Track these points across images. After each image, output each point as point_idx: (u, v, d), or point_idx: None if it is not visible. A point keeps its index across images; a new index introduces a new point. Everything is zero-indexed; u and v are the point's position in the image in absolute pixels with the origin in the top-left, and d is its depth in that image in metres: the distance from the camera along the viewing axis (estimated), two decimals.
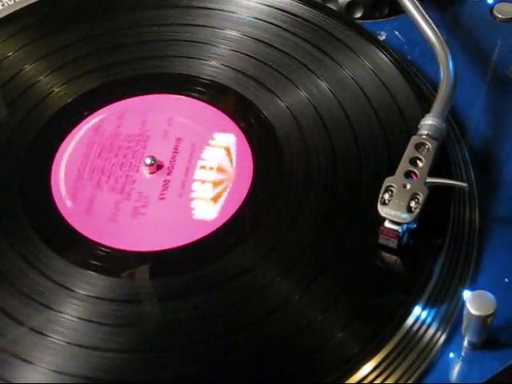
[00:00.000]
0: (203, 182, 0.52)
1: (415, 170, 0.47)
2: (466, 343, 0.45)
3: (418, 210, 0.46)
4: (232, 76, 0.58)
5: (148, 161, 0.52)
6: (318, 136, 0.53)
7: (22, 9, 0.63)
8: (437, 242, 0.47)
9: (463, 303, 0.44)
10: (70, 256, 0.48)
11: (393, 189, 0.47)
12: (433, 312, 0.46)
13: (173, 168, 0.53)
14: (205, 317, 0.45)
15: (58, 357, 0.44)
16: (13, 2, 0.66)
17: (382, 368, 0.43)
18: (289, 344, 0.44)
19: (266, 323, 0.44)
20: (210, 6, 0.62)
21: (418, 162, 0.48)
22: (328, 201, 0.50)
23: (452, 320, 0.46)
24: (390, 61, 0.57)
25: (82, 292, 0.46)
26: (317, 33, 0.59)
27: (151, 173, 0.53)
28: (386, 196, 0.47)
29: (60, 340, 0.44)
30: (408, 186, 0.47)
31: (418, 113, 0.52)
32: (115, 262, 0.48)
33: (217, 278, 0.47)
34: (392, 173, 0.47)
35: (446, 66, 0.53)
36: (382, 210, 0.46)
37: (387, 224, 0.46)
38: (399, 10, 0.61)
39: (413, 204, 0.46)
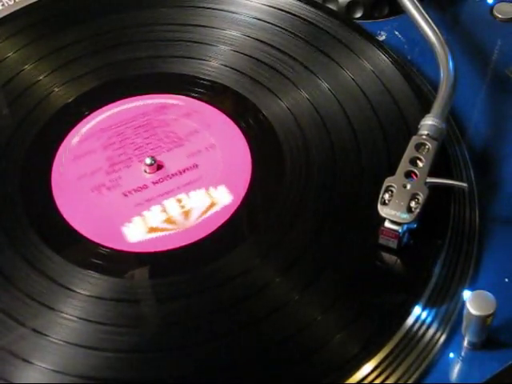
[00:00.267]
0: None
1: (415, 170, 0.47)
2: (465, 343, 0.45)
3: (418, 210, 0.46)
4: (232, 76, 0.58)
5: (148, 161, 0.53)
6: (317, 136, 0.53)
7: (21, 9, 0.63)
8: (437, 242, 0.47)
9: (463, 303, 0.44)
10: (70, 256, 0.48)
11: (393, 189, 0.47)
12: (433, 312, 0.46)
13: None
14: (204, 317, 0.45)
15: (58, 357, 0.44)
16: (13, 1, 0.66)
17: (382, 368, 0.43)
18: (289, 344, 0.44)
19: (266, 323, 0.44)
20: (210, 5, 0.62)
21: (418, 162, 0.48)
22: (328, 201, 0.50)
23: (452, 320, 0.46)
24: (390, 61, 0.57)
25: (81, 292, 0.46)
26: (317, 33, 0.59)
27: (151, 173, 0.53)
28: (386, 196, 0.47)
29: (60, 340, 0.44)
30: (408, 186, 0.47)
31: (418, 113, 0.52)
32: (115, 261, 0.48)
33: (217, 278, 0.47)
34: (392, 173, 0.47)
35: (446, 66, 0.53)
36: (382, 210, 0.46)
37: (387, 224, 0.46)
38: (399, 10, 0.61)
39: (413, 204, 0.46)
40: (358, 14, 0.64)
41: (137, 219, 0.50)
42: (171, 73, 0.58)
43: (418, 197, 0.46)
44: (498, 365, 0.44)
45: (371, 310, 0.45)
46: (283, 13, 0.61)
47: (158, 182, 0.52)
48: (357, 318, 0.44)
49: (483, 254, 0.49)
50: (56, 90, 0.58)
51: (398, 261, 0.47)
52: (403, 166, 0.48)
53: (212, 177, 0.52)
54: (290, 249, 0.48)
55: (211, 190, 0.51)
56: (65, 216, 0.51)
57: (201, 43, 0.60)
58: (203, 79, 0.58)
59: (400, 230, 0.46)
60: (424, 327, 0.45)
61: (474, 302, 0.42)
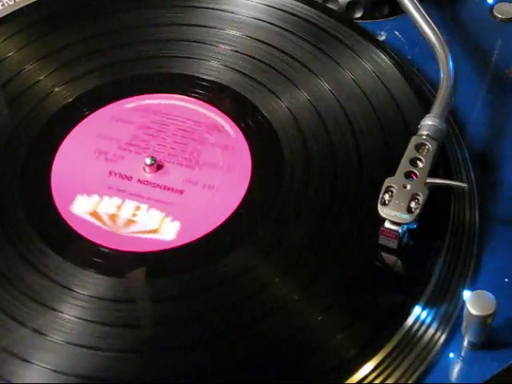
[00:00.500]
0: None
1: (415, 171, 0.47)
2: (466, 343, 0.45)
3: (418, 211, 0.46)
4: (232, 76, 0.58)
5: (148, 161, 0.53)
6: (317, 136, 0.53)
7: (21, 9, 0.63)
8: (437, 242, 0.47)
9: (463, 303, 0.44)
10: (70, 256, 0.48)
11: (393, 189, 0.47)
12: (433, 312, 0.46)
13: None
14: (204, 317, 0.45)
15: (58, 357, 0.44)
16: (13, 1, 0.66)
17: (382, 368, 0.43)
18: (288, 344, 0.44)
19: (266, 323, 0.44)
20: (210, 5, 0.62)
21: (418, 162, 0.48)
22: (328, 201, 0.50)
23: (452, 320, 0.46)
24: (390, 61, 0.57)
25: (81, 292, 0.46)
26: (317, 33, 0.59)
27: (146, 171, 0.53)
28: (386, 196, 0.47)
29: (60, 340, 0.44)
30: (408, 187, 0.47)
31: (418, 113, 0.52)
32: (115, 261, 0.48)
33: (217, 278, 0.47)
34: (392, 173, 0.47)
35: (446, 66, 0.53)
36: (382, 211, 0.46)
37: (387, 224, 0.46)
38: (399, 10, 0.61)
39: (413, 204, 0.46)
40: (358, 14, 0.64)
41: (94, 197, 0.51)
42: (171, 73, 0.58)
43: (418, 197, 0.46)
44: (498, 365, 0.44)
45: (371, 310, 0.45)
46: (283, 13, 0.61)
47: (142, 182, 0.52)
48: (357, 318, 0.44)
49: (483, 254, 0.49)
50: (56, 89, 0.58)
51: (398, 261, 0.47)
52: (403, 166, 0.48)
53: (180, 210, 0.51)
54: (290, 249, 0.48)
55: (166, 219, 0.50)
56: (65, 216, 0.51)
57: (201, 43, 0.60)
58: (203, 79, 0.58)
59: (400, 231, 0.46)
60: (424, 327, 0.45)
61: (473, 302, 0.42)
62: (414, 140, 0.49)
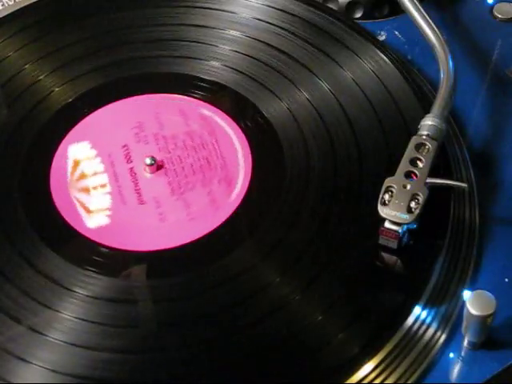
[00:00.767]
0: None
1: (415, 171, 0.47)
2: (466, 343, 0.45)
3: (418, 211, 0.46)
4: (232, 76, 0.58)
5: (148, 161, 0.52)
6: (317, 136, 0.53)
7: (21, 9, 0.63)
8: (437, 242, 0.47)
9: (463, 303, 0.44)
10: (70, 256, 0.48)
11: (393, 189, 0.47)
12: (433, 312, 0.46)
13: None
14: (204, 317, 0.45)
15: (57, 356, 0.44)
16: (13, 1, 0.66)
17: (382, 368, 0.43)
18: (289, 344, 0.44)
19: (266, 323, 0.44)
20: (211, 5, 0.62)
21: (418, 162, 0.48)
22: (328, 201, 0.50)
23: (452, 320, 0.46)
24: (390, 61, 0.57)
25: (81, 292, 0.46)
26: (317, 33, 0.59)
27: (151, 173, 0.53)
28: (386, 196, 0.47)
29: (59, 340, 0.44)
30: (408, 187, 0.47)
31: (418, 113, 0.52)
32: (115, 261, 0.48)
33: (217, 278, 0.47)
34: (392, 173, 0.47)
35: (446, 66, 0.53)
36: (382, 211, 0.46)
37: (387, 224, 0.46)
38: (399, 10, 0.61)
39: (413, 204, 0.46)
40: (358, 14, 0.64)
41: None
42: (171, 73, 0.58)
43: (418, 197, 0.46)
44: (498, 365, 0.44)
45: (371, 310, 0.45)
46: (283, 13, 0.61)
47: (132, 173, 0.53)
48: (357, 318, 0.44)
49: (483, 254, 0.49)
50: (56, 89, 0.58)
51: (398, 261, 0.47)
52: (403, 166, 0.48)
53: (121, 215, 0.51)
54: (291, 249, 0.48)
55: (105, 212, 0.51)
56: (64, 216, 0.51)
57: (201, 43, 0.60)
58: (203, 79, 0.58)
59: (400, 231, 0.46)
60: (424, 327, 0.45)
61: (473, 302, 0.42)
62: (413, 140, 0.49)
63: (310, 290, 0.46)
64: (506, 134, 0.55)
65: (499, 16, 0.63)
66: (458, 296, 0.47)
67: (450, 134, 0.54)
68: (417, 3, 0.57)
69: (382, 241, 0.47)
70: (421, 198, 0.46)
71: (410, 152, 0.48)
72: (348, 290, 0.46)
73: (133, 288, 0.48)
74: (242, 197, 0.51)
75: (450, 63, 0.53)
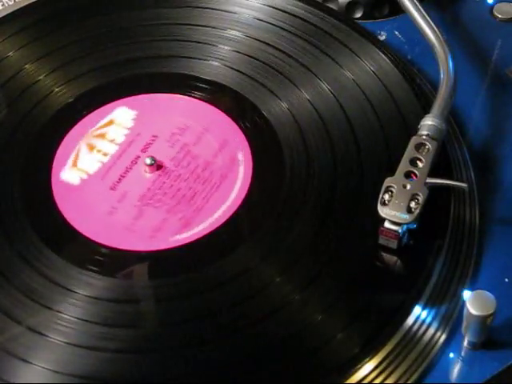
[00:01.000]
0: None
1: (415, 171, 0.47)
2: (466, 343, 0.45)
3: (417, 211, 0.46)
4: (232, 76, 0.58)
5: (148, 161, 0.53)
6: (317, 136, 0.53)
7: (21, 9, 0.63)
8: (437, 242, 0.47)
9: (463, 303, 0.44)
10: (70, 256, 0.48)
11: (393, 189, 0.47)
12: (433, 312, 0.46)
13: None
14: (204, 317, 0.45)
15: (57, 356, 0.44)
16: (13, 1, 0.66)
17: (382, 368, 0.43)
18: (289, 344, 0.44)
19: (266, 323, 0.44)
20: (211, 5, 0.62)
21: (418, 162, 0.48)
22: (328, 201, 0.50)
23: (452, 320, 0.46)
24: (390, 61, 0.57)
25: (81, 292, 0.46)
26: (317, 33, 0.59)
27: (145, 171, 0.53)
28: (386, 196, 0.47)
29: (59, 340, 0.44)
30: (408, 187, 0.47)
31: (418, 113, 0.52)
32: (115, 262, 0.48)
33: (217, 279, 0.47)
34: (392, 173, 0.47)
35: (446, 66, 0.53)
36: (382, 211, 0.46)
37: (387, 224, 0.46)
38: (399, 10, 0.61)
39: (413, 204, 0.46)
40: (358, 14, 0.64)
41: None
42: (171, 73, 0.58)
43: (418, 197, 0.46)
44: (498, 365, 0.44)
45: (371, 310, 0.45)
46: (283, 13, 0.61)
47: (133, 161, 0.53)
48: (357, 318, 0.44)
49: (483, 254, 0.49)
50: (56, 90, 0.58)
51: (398, 261, 0.47)
52: (403, 166, 0.48)
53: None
54: (291, 249, 0.48)
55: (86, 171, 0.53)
56: (65, 216, 0.51)
57: (201, 43, 0.60)
58: (203, 79, 0.58)
59: (400, 231, 0.46)
60: (424, 327, 0.45)
61: (474, 302, 0.42)
62: (413, 140, 0.49)
63: (310, 289, 0.46)
64: (506, 134, 0.55)
65: (499, 16, 0.63)
66: (458, 296, 0.47)
67: (450, 133, 0.54)
68: (417, 3, 0.57)
69: (381, 241, 0.47)
70: (421, 198, 0.46)
71: (409, 152, 0.48)
72: (348, 290, 0.46)
73: (133, 288, 0.47)
74: (242, 197, 0.51)
75: (450, 63, 0.53)
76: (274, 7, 0.61)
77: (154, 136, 0.55)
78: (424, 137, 0.49)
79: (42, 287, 0.47)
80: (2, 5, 0.66)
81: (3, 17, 0.63)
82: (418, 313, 0.45)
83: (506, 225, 0.51)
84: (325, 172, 0.51)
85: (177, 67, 0.59)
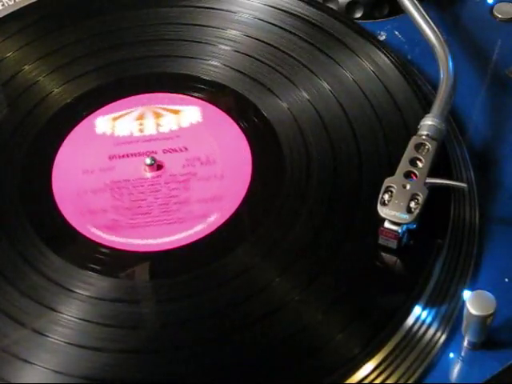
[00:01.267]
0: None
1: (415, 171, 0.47)
2: (466, 343, 0.45)
3: (417, 211, 0.46)
4: (232, 76, 0.58)
5: (148, 161, 0.53)
6: (317, 136, 0.53)
7: (21, 9, 0.63)
8: (437, 241, 0.47)
9: (463, 303, 0.44)
10: (70, 256, 0.48)
11: (392, 189, 0.47)
12: (433, 312, 0.46)
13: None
14: (204, 317, 0.45)
15: (58, 357, 0.44)
16: (13, 1, 0.66)
17: (382, 368, 0.43)
18: (289, 344, 0.44)
19: (266, 323, 0.44)
20: (211, 5, 0.62)
21: (418, 162, 0.48)
22: (328, 201, 0.50)
23: (452, 320, 0.46)
24: (390, 61, 0.57)
25: (82, 292, 0.46)
26: (317, 33, 0.59)
27: (151, 172, 0.53)
28: (386, 196, 0.47)
29: (60, 340, 0.44)
30: (408, 187, 0.47)
31: (418, 113, 0.53)
32: (115, 262, 0.48)
33: (217, 278, 0.47)
34: (392, 173, 0.47)
35: (445, 66, 0.53)
36: (382, 211, 0.46)
37: (387, 224, 0.46)
38: (399, 10, 0.61)
39: (412, 204, 0.46)
40: (358, 14, 0.64)
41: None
42: (171, 73, 0.58)
43: (418, 197, 0.46)
44: (498, 365, 0.44)
45: (371, 310, 0.45)
46: (283, 13, 0.61)
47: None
48: (357, 318, 0.44)
49: (483, 254, 0.49)
50: (56, 89, 0.58)
51: (398, 261, 0.47)
52: (403, 166, 0.48)
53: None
54: (290, 249, 0.48)
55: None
56: (65, 216, 0.51)
57: (201, 43, 0.60)
58: (203, 79, 0.58)
59: (400, 231, 0.46)
60: (424, 327, 0.45)
61: (474, 302, 0.42)
62: (413, 140, 0.49)
63: (310, 289, 0.46)
64: (505, 134, 0.55)
65: (499, 16, 0.63)
66: (458, 296, 0.47)
67: (450, 133, 0.54)
68: (417, 3, 0.57)
69: (381, 241, 0.47)
70: (420, 198, 0.46)
71: (409, 152, 0.48)
72: (348, 290, 0.46)
73: (133, 288, 0.47)
74: (241, 196, 0.51)
75: (450, 63, 0.53)
76: (273, 7, 0.61)
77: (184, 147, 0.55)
78: (424, 137, 0.49)
79: (42, 287, 0.47)
80: (2, 5, 0.66)
81: (3, 17, 0.63)
82: (418, 313, 0.45)
83: (506, 225, 0.51)
84: (324, 172, 0.51)
85: (177, 67, 0.59)
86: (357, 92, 0.55)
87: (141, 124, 0.56)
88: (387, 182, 0.47)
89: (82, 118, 0.56)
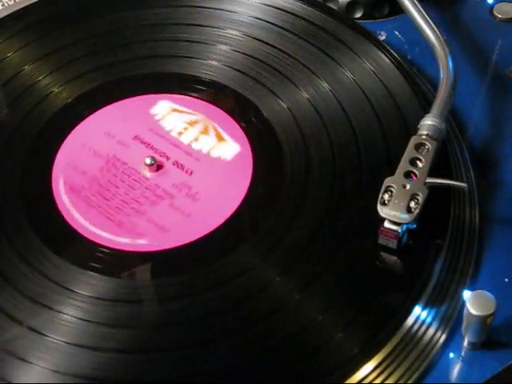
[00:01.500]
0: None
1: (415, 171, 0.47)
2: (466, 343, 0.45)
3: (417, 211, 0.46)
4: (232, 76, 0.58)
5: (148, 161, 0.53)
6: (317, 136, 0.53)
7: (21, 9, 0.63)
8: (437, 242, 0.47)
9: (463, 303, 0.44)
10: (70, 256, 0.48)
11: (392, 189, 0.47)
12: (433, 312, 0.46)
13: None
14: (204, 317, 0.45)
15: (58, 357, 0.44)
16: (13, 1, 0.66)
17: (382, 368, 0.43)
18: (289, 344, 0.44)
19: (266, 323, 0.44)
20: (211, 5, 0.62)
21: (418, 162, 0.48)
22: (328, 201, 0.50)
23: (452, 320, 0.46)
24: (390, 61, 0.57)
25: (81, 292, 0.46)
26: (317, 33, 0.59)
27: (151, 173, 0.53)
28: (386, 196, 0.47)
29: (59, 340, 0.44)
30: (408, 187, 0.47)
31: (418, 113, 0.53)
32: (115, 262, 0.48)
33: (217, 278, 0.47)
34: (392, 173, 0.47)
35: (445, 66, 0.53)
36: (382, 211, 0.46)
37: (387, 224, 0.46)
38: (399, 10, 0.61)
39: (412, 204, 0.46)
40: (358, 14, 0.64)
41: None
42: (171, 73, 0.58)
43: (418, 197, 0.46)
44: (498, 365, 0.44)
45: (371, 310, 0.45)
46: (283, 13, 0.61)
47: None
48: (357, 318, 0.44)
49: (483, 254, 0.49)
50: (56, 90, 0.58)
51: (398, 261, 0.47)
52: (403, 166, 0.48)
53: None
54: (290, 249, 0.48)
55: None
56: (65, 216, 0.51)
57: (201, 43, 0.60)
58: (203, 79, 0.58)
59: (399, 230, 0.46)
60: (424, 327, 0.45)
61: (474, 302, 0.42)
62: (413, 140, 0.49)
63: (310, 289, 0.46)
64: (506, 134, 0.55)
65: (499, 16, 0.63)
66: (458, 296, 0.47)
67: (450, 133, 0.54)
68: (417, 3, 0.57)
69: (381, 241, 0.47)
70: (420, 198, 0.46)
71: (409, 152, 0.48)
72: (348, 290, 0.46)
73: (133, 288, 0.47)
74: (242, 196, 0.51)
75: (450, 63, 0.53)
76: (273, 7, 0.61)
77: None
78: (424, 137, 0.49)
79: (42, 287, 0.47)
80: (2, 5, 0.66)
81: (3, 17, 0.63)
82: (418, 313, 0.45)
83: (506, 225, 0.51)
84: (324, 172, 0.51)
85: (177, 67, 0.59)
86: (357, 92, 0.55)
87: (186, 129, 0.55)
88: (387, 181, 0.47)
89: (82, 118, 0.56)
